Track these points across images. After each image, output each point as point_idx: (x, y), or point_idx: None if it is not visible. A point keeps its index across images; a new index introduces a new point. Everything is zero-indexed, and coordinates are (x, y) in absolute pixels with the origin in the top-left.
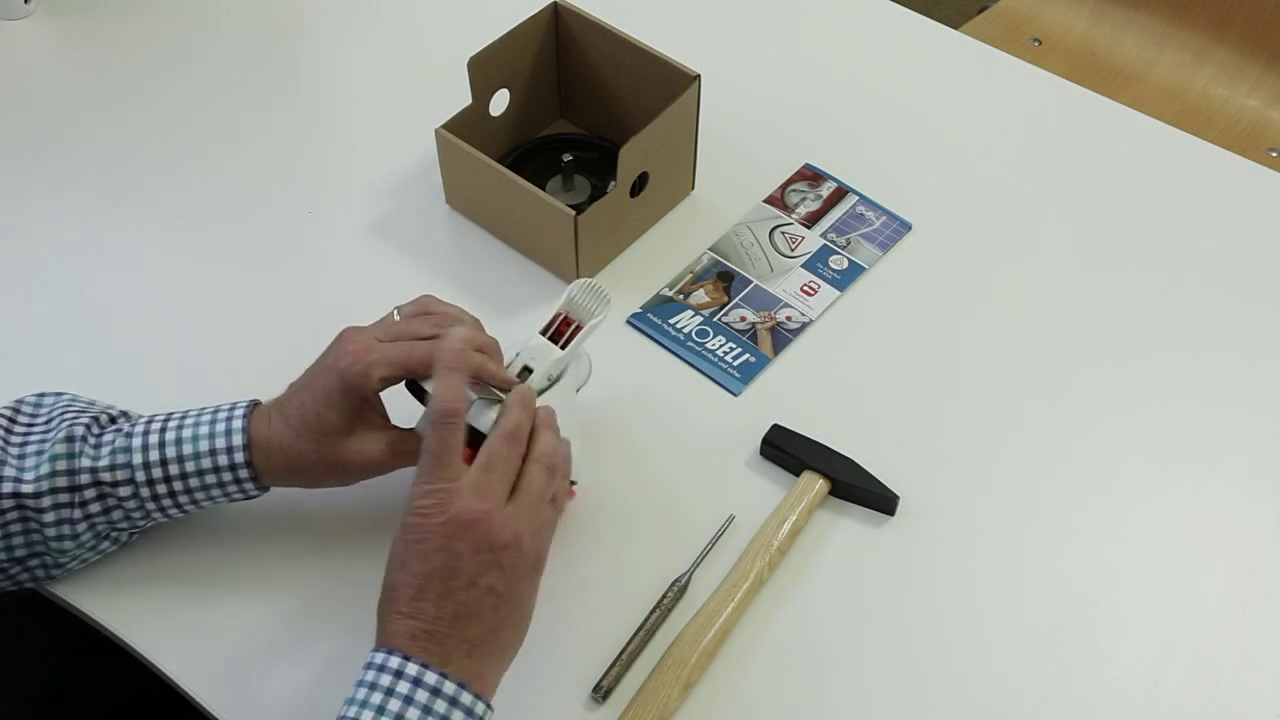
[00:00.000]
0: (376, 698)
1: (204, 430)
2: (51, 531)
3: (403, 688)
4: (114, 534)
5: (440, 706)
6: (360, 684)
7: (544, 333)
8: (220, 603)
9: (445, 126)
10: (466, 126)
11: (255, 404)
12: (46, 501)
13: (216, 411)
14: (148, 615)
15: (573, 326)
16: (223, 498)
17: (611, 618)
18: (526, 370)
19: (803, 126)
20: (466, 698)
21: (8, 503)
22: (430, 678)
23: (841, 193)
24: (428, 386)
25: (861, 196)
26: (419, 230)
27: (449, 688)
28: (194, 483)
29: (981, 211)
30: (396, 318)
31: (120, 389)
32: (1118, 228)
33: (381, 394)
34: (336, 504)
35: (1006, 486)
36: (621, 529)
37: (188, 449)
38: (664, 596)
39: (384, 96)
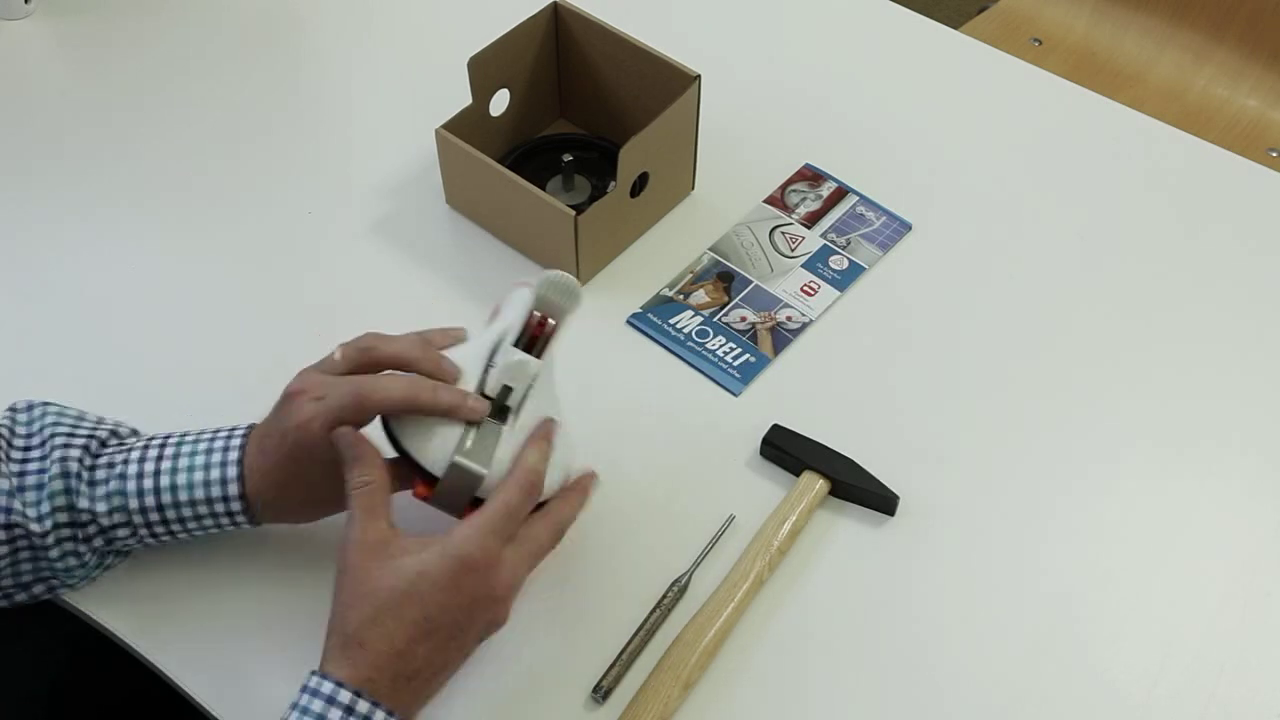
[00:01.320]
0: None
1: (199, 477)
2: (59, 565)
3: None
4: (114, 559)
5: None
6: (311, 715)
7: (517, 343)
8: (220, 602)
9: (445, 126)
10: (466, 126)
11: (250, 431)
12: (52, 539)
13: (212, 443)
14: (147, 615)
15: (546, 328)
16: (214, 527)
17: (611, 618)
18: (506, 389)
19: (803, 126)
20: None
21: (18, 532)
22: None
23: (841, 193)
24: (401, 438)
25: (861, 196)
26: (419, 230)
27: None
28: (192, 526)
29: (981, 212)
30: (337, 356)
31: (120, 389)
32: (1118, 228)
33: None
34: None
35: (1006, 486)
36: (621, 529)
37: (183, 495)
38: (664, 596)
39: (384, 96)
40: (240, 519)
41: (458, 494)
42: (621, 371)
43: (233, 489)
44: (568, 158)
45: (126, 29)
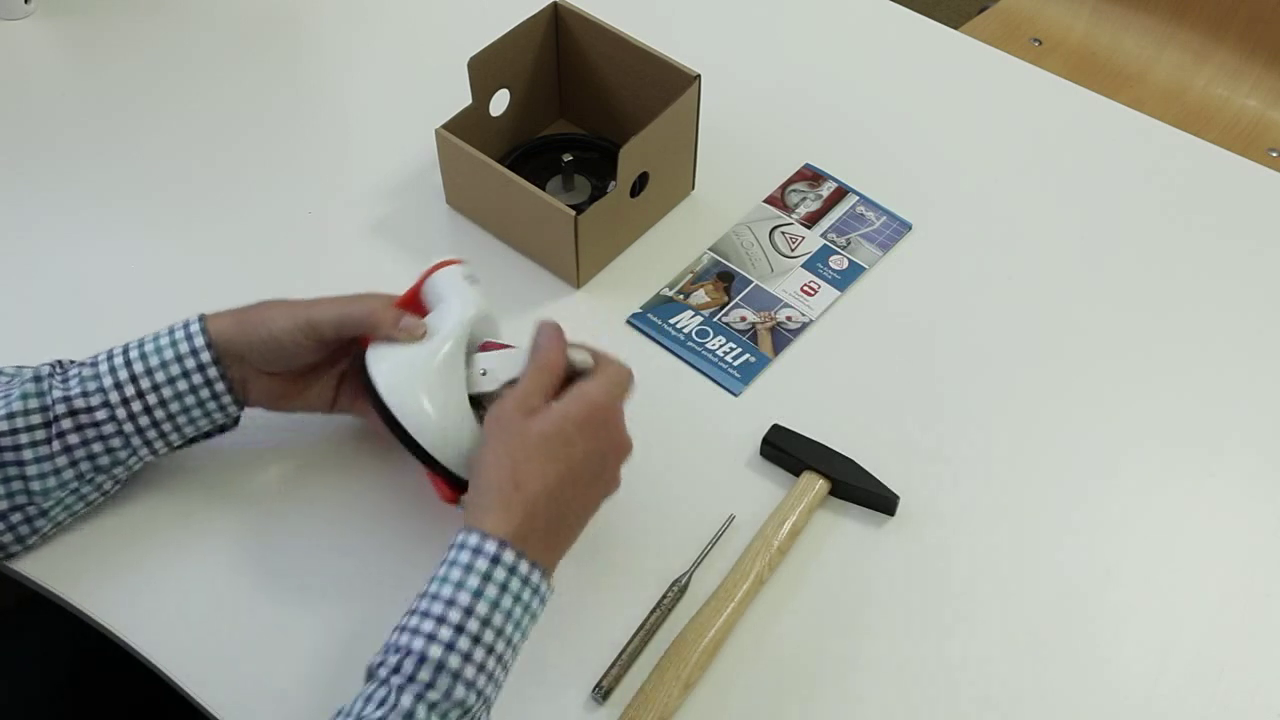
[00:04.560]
0: (474, 581)
1: (164, 341)
2: (32, 469)
3: (499, 574)
4: (96, 478)
5: (526, 594)
6: (459, 566)
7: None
8: (221, 602)
9: (445, 126)
10: (466, 126)
11: (203, 316)
12: (24, 438)
13: (171, 327)
14: (147, 614)
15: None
16: (198, 409)
17: (611, 618)
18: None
19: (803, 126)
20: (545, 588)
21: None
22: (523, 568)
23: (841, 193)
24: (373, 372)
25: (861, 196)
26: (419, 230)
27: (535, 576)
28: (167, 392)
29: (981, 212)
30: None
31: None
32: (1118, 228)
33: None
34: (341, 507)
35: (1007, 486)
36: (621, 529)
37: (154, 360)
38: (664, 596)
39: (384, 96)
40: (213, 371)
41: None
42: None
43: (199, 340)
44: (568, 158)
45: (126, 29)
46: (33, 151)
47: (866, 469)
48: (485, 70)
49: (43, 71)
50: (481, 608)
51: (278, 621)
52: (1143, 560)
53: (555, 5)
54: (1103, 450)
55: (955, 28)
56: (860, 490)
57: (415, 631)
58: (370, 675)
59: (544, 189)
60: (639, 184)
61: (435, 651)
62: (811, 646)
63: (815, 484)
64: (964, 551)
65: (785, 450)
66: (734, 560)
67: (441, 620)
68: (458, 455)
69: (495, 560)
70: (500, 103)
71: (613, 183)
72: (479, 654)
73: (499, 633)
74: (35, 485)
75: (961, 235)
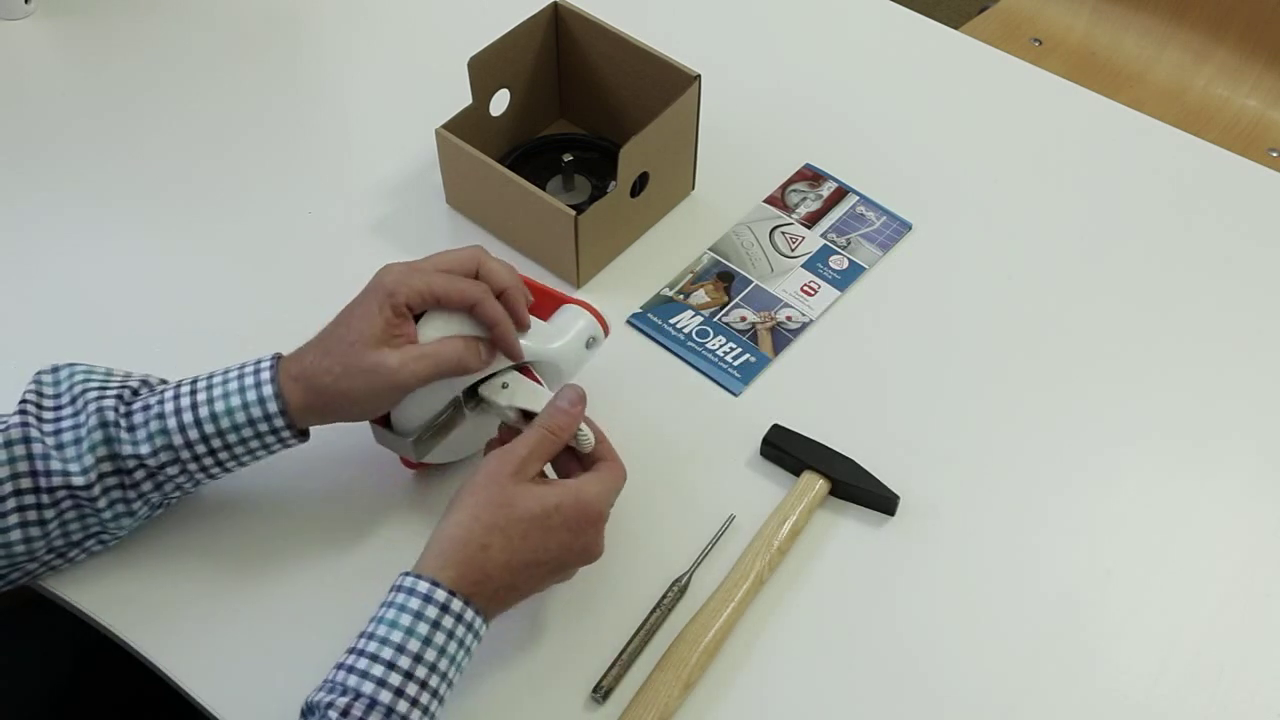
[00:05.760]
0: (423, 628)
1: (236, 401)
2: (108, 514)
3: (447, 621)
4: (166, 503)
5: (469, 639)
6: (408, 612)
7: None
8: (221, 602)
9: (445, 126)
10: (467, 126)
11: (277, 358)
12: (98, 490)
13: (242, 375)
14: (148, 615)
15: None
16: (263, 451)
17: (611, 618)
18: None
19: (803, 127)
20: (484, 629)
21: (61, 494)
22: (468, 615)
23: (841, 193)
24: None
25: (862, 196)
26: (419, 230)
27: (479, 622)
28: (239, 450)
29: (982, 212)
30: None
31: None
32: (1118, 228)
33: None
34: (339, 505)
35: (1006, 487)
36: (621, 529)
37: (225, 423)
38: (664, 596)
39: (384, 96)
40: (285, 433)
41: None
42: (621, 371)
43: (272, 406)
44: (568, 158)
45: (126, 29)
46: (32, 151)
47: (866, 469)
48: (485, 70)
49: (43, 71)
50: (430, 654)
51: (278, 621)
52: (1143, 560)
53: (555, 5)
54: (1103, 450)
55: (955, 28)
56: (860, 490)
57: (364, 675)
58: (313, 711)
59: (544, 189)
60: (639, 184)
61: (385, 697)
62: (811, 646)
63: (815, 484)
64: (964, 552)
65: (785, 450)
66: (734, 560)
67: (391, 666)
68: (403, 405)
69: (444, 608)
70: (500, 103)
71: (613, 183)
72: (425, 697)
73: (443, 676)
74: (111, 525)
75: (961, 235)
